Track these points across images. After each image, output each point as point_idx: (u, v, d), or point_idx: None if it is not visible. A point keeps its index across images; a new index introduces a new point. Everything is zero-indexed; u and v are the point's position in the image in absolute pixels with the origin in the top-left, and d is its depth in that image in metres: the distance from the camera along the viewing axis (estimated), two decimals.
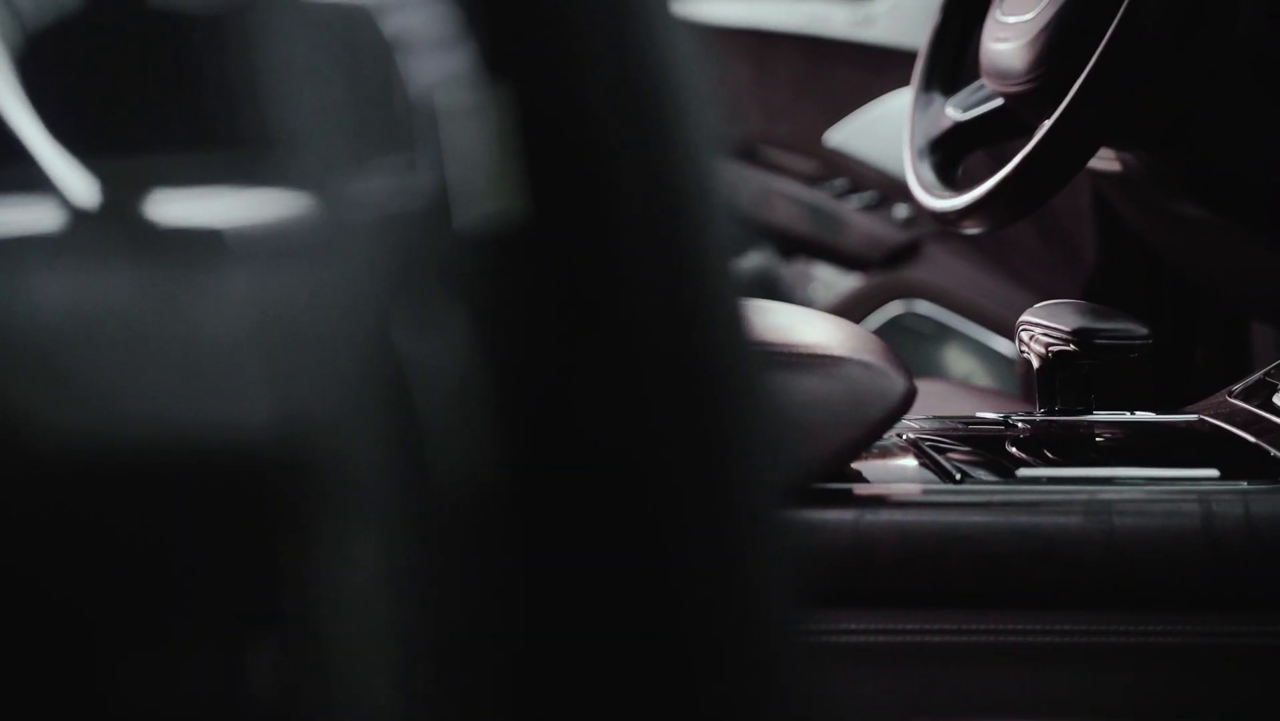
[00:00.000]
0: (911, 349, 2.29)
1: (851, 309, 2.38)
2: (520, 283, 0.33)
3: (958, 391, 1.67)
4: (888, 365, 1.00)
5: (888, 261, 2.34)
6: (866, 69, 2.31)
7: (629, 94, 0.35)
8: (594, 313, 0.35)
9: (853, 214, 2.40)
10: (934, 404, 1.60)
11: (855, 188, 2.41)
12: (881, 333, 2.35)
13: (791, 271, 2.56)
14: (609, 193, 0.35)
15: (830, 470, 0.98)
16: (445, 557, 0.33)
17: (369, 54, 0.32)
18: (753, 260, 2.63)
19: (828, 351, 0.99)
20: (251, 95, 0.30)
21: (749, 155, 2.55)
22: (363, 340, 0.30)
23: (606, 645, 0.37)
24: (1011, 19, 1.41)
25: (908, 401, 0.99)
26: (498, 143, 0.33)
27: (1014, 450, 1.10)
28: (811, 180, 2.47)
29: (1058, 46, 1.33)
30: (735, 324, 0.38)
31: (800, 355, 0.98)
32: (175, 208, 0.31)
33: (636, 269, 0.36)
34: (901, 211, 2.32)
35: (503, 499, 0.34)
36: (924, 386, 1.70)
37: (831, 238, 2.42)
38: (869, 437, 0.99)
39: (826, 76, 2.43)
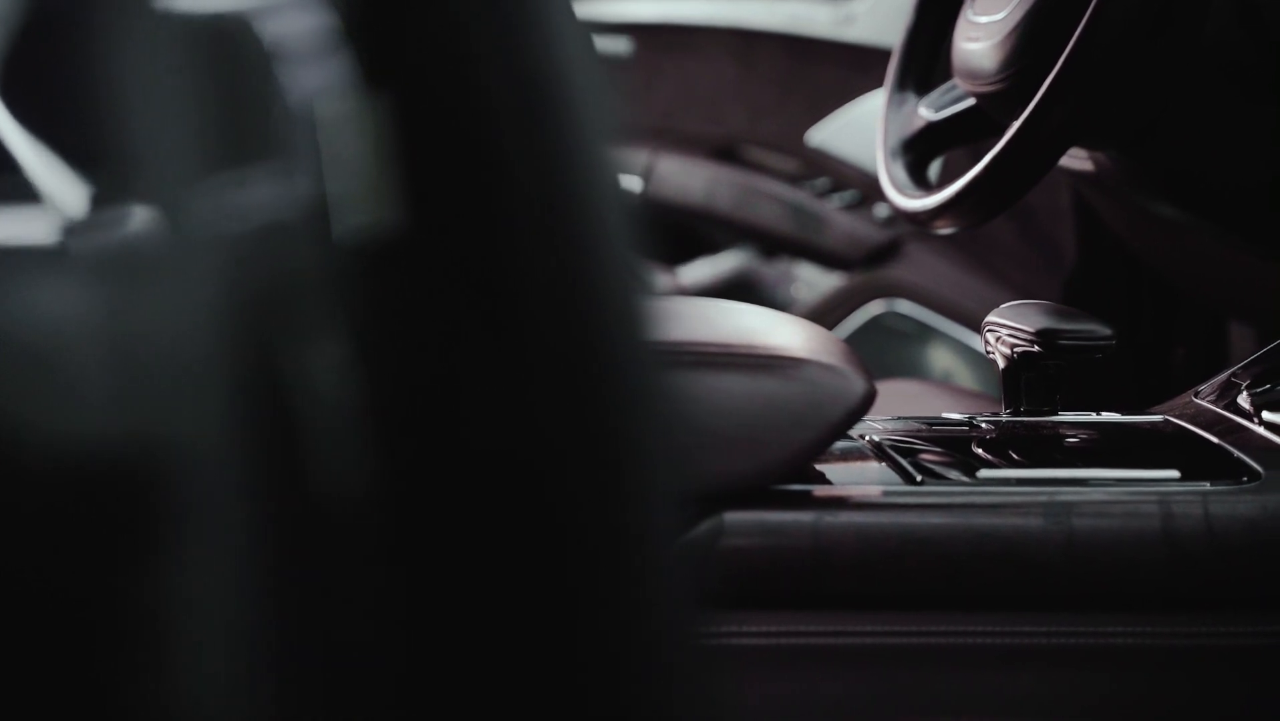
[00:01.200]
0: (892, 348, 2.29)
1: (833, 308, 2.38)
2: (400, 290, 0.33)
3: (934, 391, 1.67)
4: (848, 367, 0.99)
5: (869, 261, 2.34)
6: (848, 68, 2.30)
7: (516, 99, 0.35)
8: (480, 319, 0.34)
9: (834, 213, 2.40)
10: (909, 404, 1.60)
11: (837, 187, 2.40)
12: (863, 332, 2.35)
13: (774, 271, 2.56)
14: (495, 198, 0.35)
15: (789, 472, 0.98)
16: (323, 568, 0.32)
17: (246, 62, 0.32)
18: (735, 260, 2.62)
19: (787, 353, 0.98)
20: (100, 106, 0.29)
21: (731, 154, 2.55)
22: (226, 351, 0.29)
23: (495, 652, 0.37)
24: (983, 19, 1.41)
25: (867, 403, 0.99)
26: (377, 151, 0.32)
27: (976, 451, 1.10)
28: (794, 179, 2.47)
29: (1028, 46, 1.33)
30: (632, 327, 0.38)
31: (759, 357, 0.98)
32: (14, 221, 0.30)
33: (525, 274, 0.35)
34: (882, 211, 2.32)
35: (385, 508, 0.34)
36: (900, 386, 1.70)
37: (813, 237, 2.41)
38: (827, 439, 0.99)
39: (809, 75, 2.43)
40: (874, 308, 2.33)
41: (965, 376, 2.21)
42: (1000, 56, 1.36)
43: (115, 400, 0.28)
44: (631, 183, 2.62)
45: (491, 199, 0.35)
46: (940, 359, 2.24)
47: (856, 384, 0.99)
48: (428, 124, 0.33)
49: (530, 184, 0.36)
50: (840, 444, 1.08)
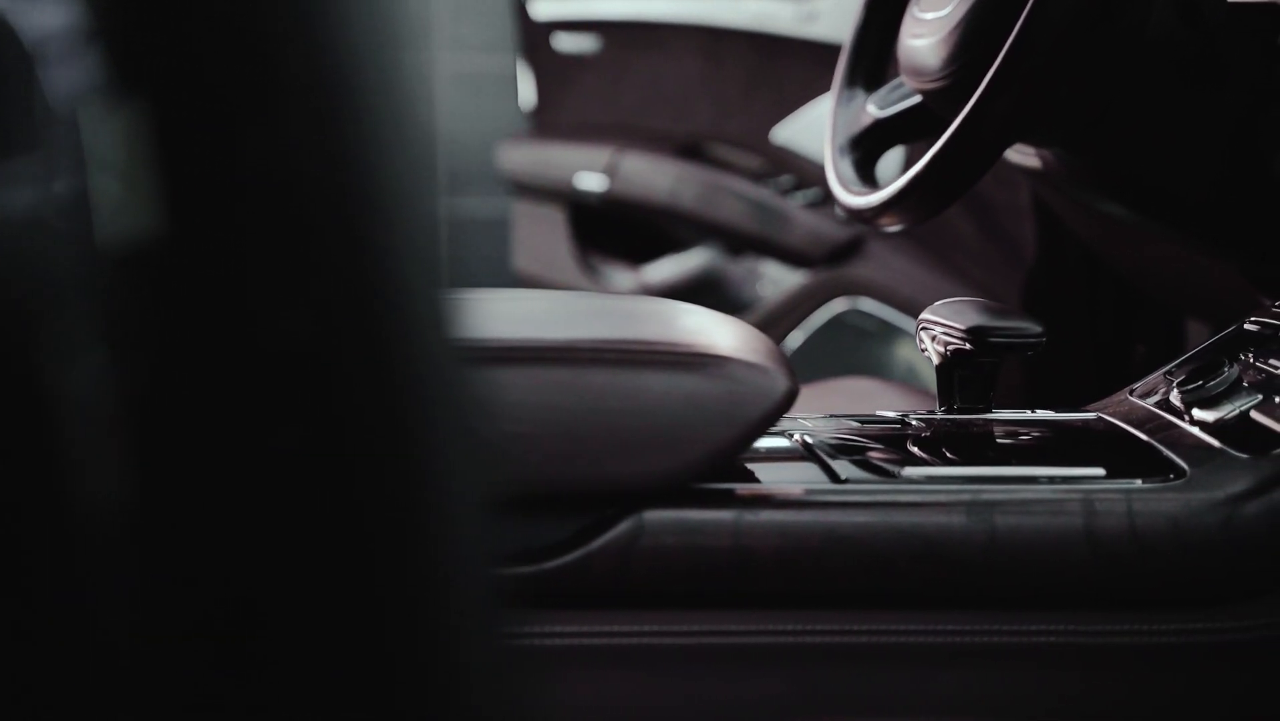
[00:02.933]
0: (855, 346, 2.29)
1: (796, 306, 2.37)
2: (158, 295, 0.32)
3: (885, 389, 1.66)
4: (770, 364, 0.99)
5: (831, 258, 2.34)
6: (812, 65, 2.30)
7: (277, 100, 0.34)
8: (242, 320, 0.34)
9: (797, 211, 2.39)
10: (858, 402, 1.59)
11: (800, 184, 2.40)
12: (826, 330, 2.34)
13: (740, 269, 2.56)
14: (254, 200, 0.34)
15: (710, 470, 0.97)
16: (82, 586, 0.32)
17: (2, 59, 0.31)
18: (701, 258, 2.62)
19: (707, 351, 0.98)
20: None
21: (697, 152, 2.54)
22: None
23: (278, 653, 0.37)
24: (928, 15, 1.40)
25: (789, 401, 0.98)
26: (134, 153, 0.32)
27: (905, 449, 1.10)
28: (758, 177, 2.46)
29: (971, 42, 1.33)
30: (423, 325, 0.37)
31: (679, 355, 0.97)
32: None
33: (289, 276, 0.35)
34: None
35: (146, 520, 0.34)
36: (852, 384, 1.70)
37: (776, 234, 2.41)
38: (748, 437, 0.98)
39: (774, 73, 2.42)
40: (837, 305, 2.33)
41: (928, 374, 2.21)
42: (944, 53, 1.36)
43: None
44: (596, 180, 2.61)
45: (247, 202, 0.34)
46: (902, 357, 2.24)
47: (779, 382, 0.98)
48: (184, 126, 0.33)
49: (293, 184, 0.35)
50: (768, 442, 1.07)
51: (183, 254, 0.33)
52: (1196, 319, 1.83)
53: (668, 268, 2.62)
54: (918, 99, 1.47)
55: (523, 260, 2.85)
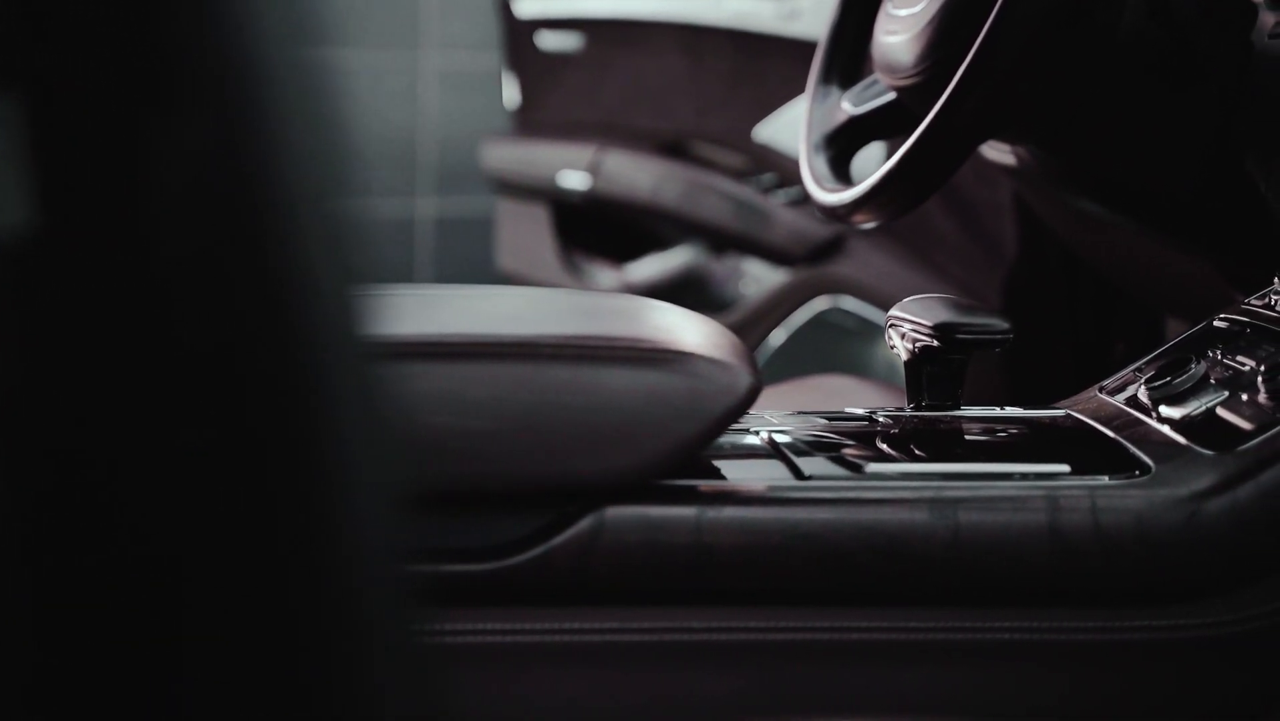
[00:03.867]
0: (836, 344, 2.29)
1: (778, 304, 2.37)
2: (38, 293, 0.32)
3: (861, 386, 1.66)
4: (734, 361, 0.98)
5: (813, 256, 2.33)
6: (794, 63, 2.30)
7: (178, 95, 0.34)
8: (143, 318, 0.33)
9: (779, 209, 2.39)
10: (832, 399, 1.59)
11: (783, 182, 2.39)
12: (808, 328, 2.34)
13: (723, 268, 2.55)
14: (156, 198, 0.34)
15: (671, 466, 0.97)
16: None
17: None
18: (684, 256, 2.62)
19: (669, 347, 0.97)
20: None
21: (680, 150, 2.54)
22: None
23: (184, 658, 0.36)
24: (902, 12, 1.40)
25: (751, 397, 0.98)
26: (8, 149, 0.32)
27: (870, 446, 1.09)
28: (740, 175, 2.46)
29: (944, 39, 1.32)
30: (331, 323, 0.37)
31: (641, 351, 0.97)
32: None
33: (193, 274, 0.34)
34: None
35: (49, 520, 0.33)
36: (829, 382, 1.69)
37: (757, 232, 2.41)
38: (710, 433, 0.97)
39: (756, 71, 2.42)
40: (819, 304, 2.32)
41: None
42: (917, 49, 1.35)
43: None
44: (579, 179, 2.61)
45: (134, 199, 0.34)
46: (883, 355, 2.23)
47: (741, 378, 0.98)
48: (71, 122, 0.32)
49: (184, 178, 0.35)
50: (733, 439, 1.07)
51: (67, 251, 0.32)
52: (1176, 316, 1.83)
53: (651, 266, 2.62)
54: (893, 96, 1.47)
55: (506, 258, 2.85)
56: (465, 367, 0.95)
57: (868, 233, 2.25)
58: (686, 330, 1.01)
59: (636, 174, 2.53)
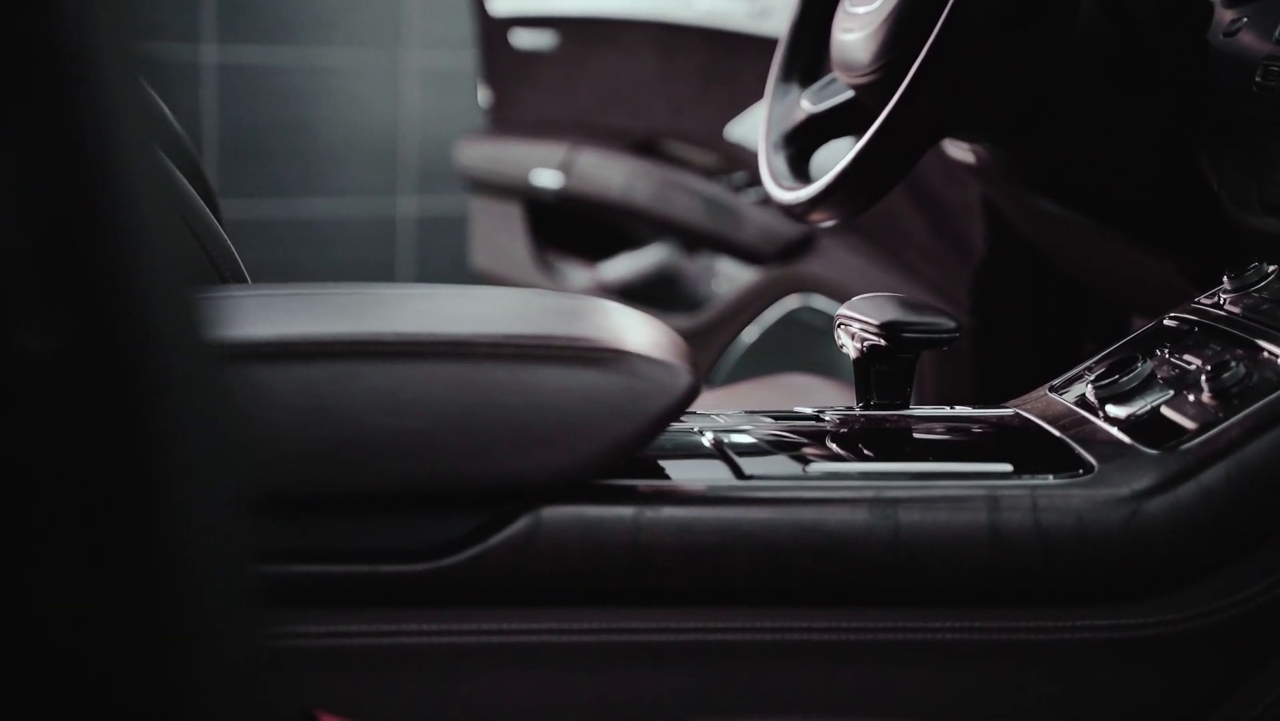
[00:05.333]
0: (806, 343, 2.28)
1: (749, 303, 2.36)
2: None
3: (823, 385, 1.65)
4: (673, 360, 0.97)
5: (783, 255, 2.33)
6: (765, 61, 2.29)
7: (11, 104, 0.33)
8: None
9: (750, 207, 2.38)
10: (791, 398, 1.59)
11: (753, 181, 2.39)
12: (777, 327, 2.33)
13: (696, 266, 2.55)
14: None
15: (608, 465, 0.96)
16: None
17: None
18: (657, 255, 2.61)
19: (607, 345, 0.96)
20: None
21: (652, 149, 2.53)
22: None
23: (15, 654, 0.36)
24: (859, 9, 1.40)
25: (690, 396, 0.97)
26: None
27: (814, 445, 1.08)
28: (711, 174, 2.45)
29: (899, 37, 1.32)
30: (171, 327, 0.36)
31: (578, 350, 0.96)
32: None
33: (33, 281, 0.34)
34: None
35: None
36: (789, 380, 1.69)
37: (728, 231, 2.40)
38: (648, 433, 0.96)
39: (727, 69, 2.41)
40: (790, 302, 2.31)
41: None
42: (873, 47, 1.35)
43: None
44: (551, 177, 2.60)
45: None
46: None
47: (680, 377, 0.97)
48: None
49: (40, 194, 0.34)
50: (676, 439, 1.06)
51: None
52: (1139, 314, 1.82)
53: (624, 265, 2.61)
54: (851, 94, 1.46)
55: (480, 257, 2.84)
56: (400, 367, 0.94)
57: (838, 232, 2.24)
58: (627, 330, 1.00)
59: (609, 172, 2.53)
